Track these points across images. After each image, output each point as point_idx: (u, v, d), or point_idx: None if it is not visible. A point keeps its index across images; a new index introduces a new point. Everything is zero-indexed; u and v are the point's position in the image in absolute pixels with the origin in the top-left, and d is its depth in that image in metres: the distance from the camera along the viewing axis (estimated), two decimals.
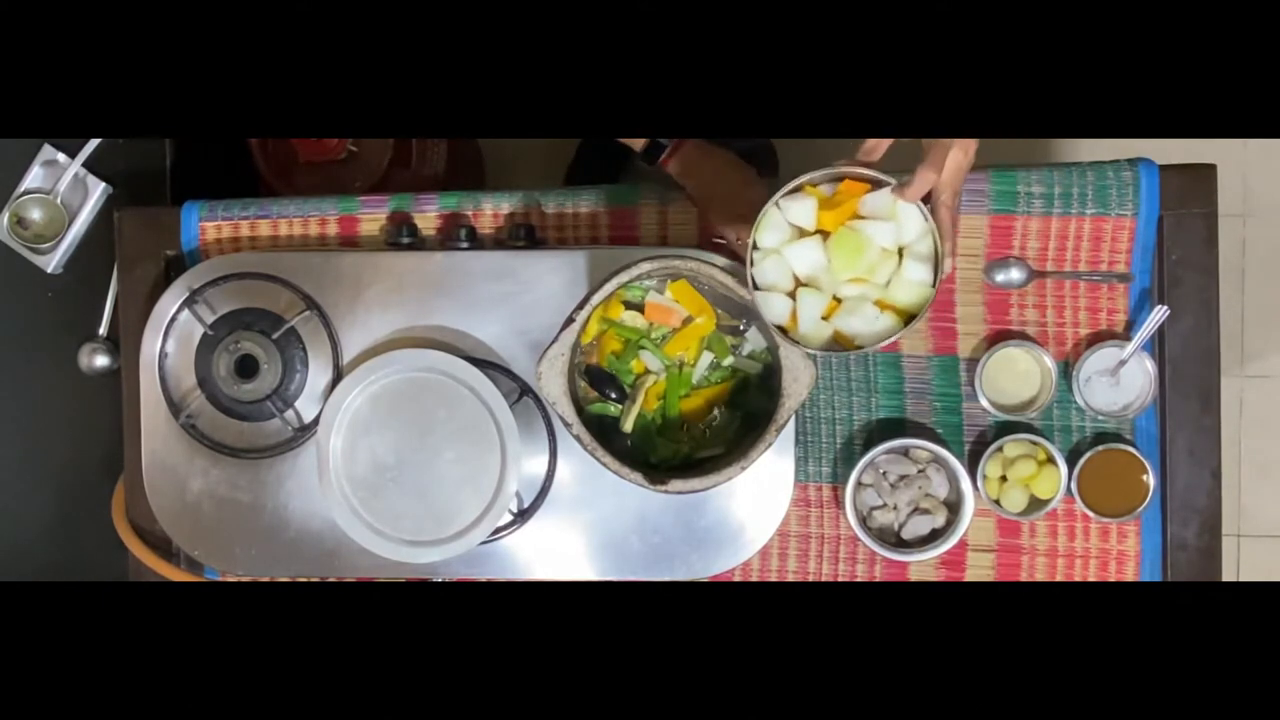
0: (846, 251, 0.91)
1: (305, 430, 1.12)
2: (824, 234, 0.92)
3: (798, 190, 0.93)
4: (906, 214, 0.90)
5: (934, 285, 0.91)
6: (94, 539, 1.22)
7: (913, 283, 0.91)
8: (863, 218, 0.91)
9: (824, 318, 0.93)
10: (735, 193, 1.07)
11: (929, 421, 1.12)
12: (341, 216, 1.17)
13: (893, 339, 0.91)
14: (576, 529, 1.11)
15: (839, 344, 0.93)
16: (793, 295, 0.93)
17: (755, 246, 0.93)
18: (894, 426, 1.12)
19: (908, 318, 0.91)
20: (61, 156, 1.29)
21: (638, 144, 1.08)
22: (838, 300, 0.93)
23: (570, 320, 0.99)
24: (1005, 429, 1.11)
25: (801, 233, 0.93)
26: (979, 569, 1.13)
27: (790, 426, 1.05)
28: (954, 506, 1.09)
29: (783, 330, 0.94)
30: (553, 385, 0.99)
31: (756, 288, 0.94)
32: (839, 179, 0.93)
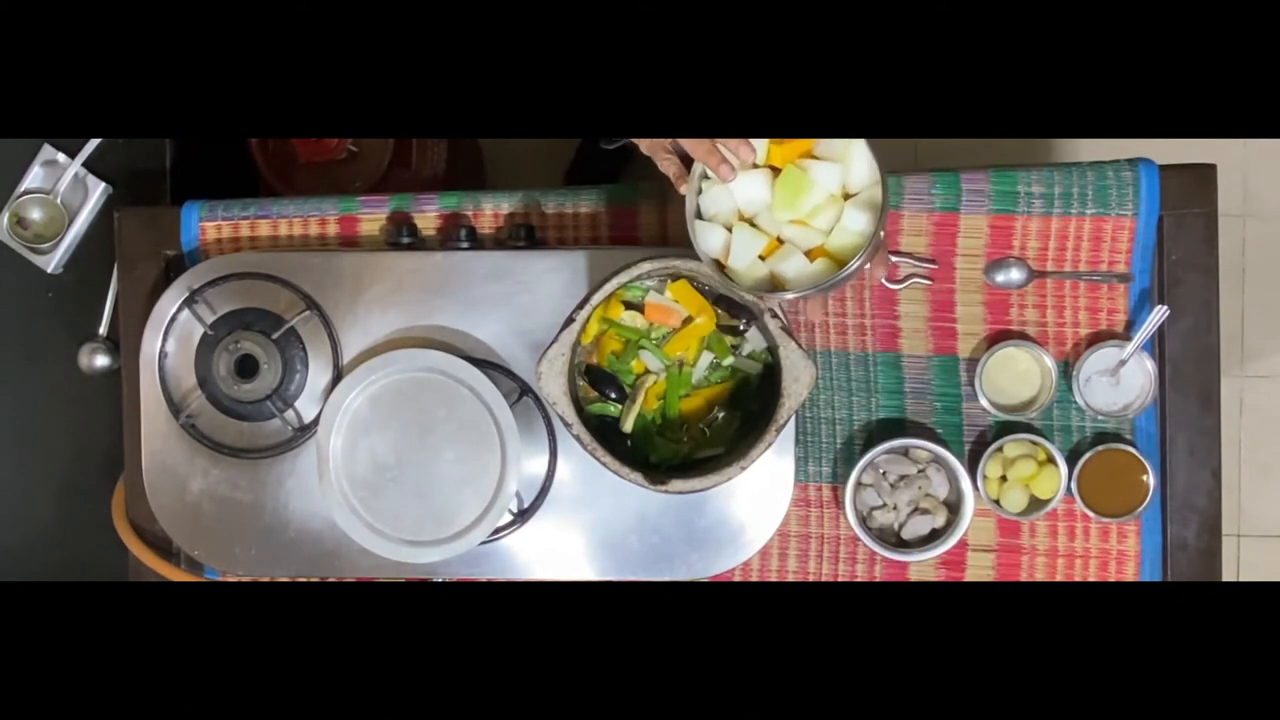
0: (789, 191, 0.90)
1: (305, 430, 1.12)
2: (775, 170, 0.92)
3: None
4: (857, 158, 0.90)
5: (873, 236, 0.89)
6: (94, 539, 1.22)
7: (851, 232, 0.90)
8: (816, 157, 0.90)
9: (762, 257, 0.92)
10: None
11: (929, 421, 1.12)
12: (341, 216, 1.17)
13: (824, 288, 0.90)
14: (576, 529, 1.11)
15: (772, 285, 0.92)
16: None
17: (705, 175, 0.93)
18: (894, 426, 1.12)
19: (840, 266, 0.90)
20: (61, 156, 1.29)
21: None
22: (780, 241, 0.92)
23: (570, 320, 0.99)
24: (1005, 429, 1.11)
25: (753, 166, 0.92)
26: (979, 569, 1.13)
27: (790, 426, 1.05)
28: (954, 506, 1.09)
29: (718, 265, 0.93)
30: (553, 385, 0.99)
31: (700, 217, 0.93)
32: None
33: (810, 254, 0.92)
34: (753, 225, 0.93)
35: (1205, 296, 1.10)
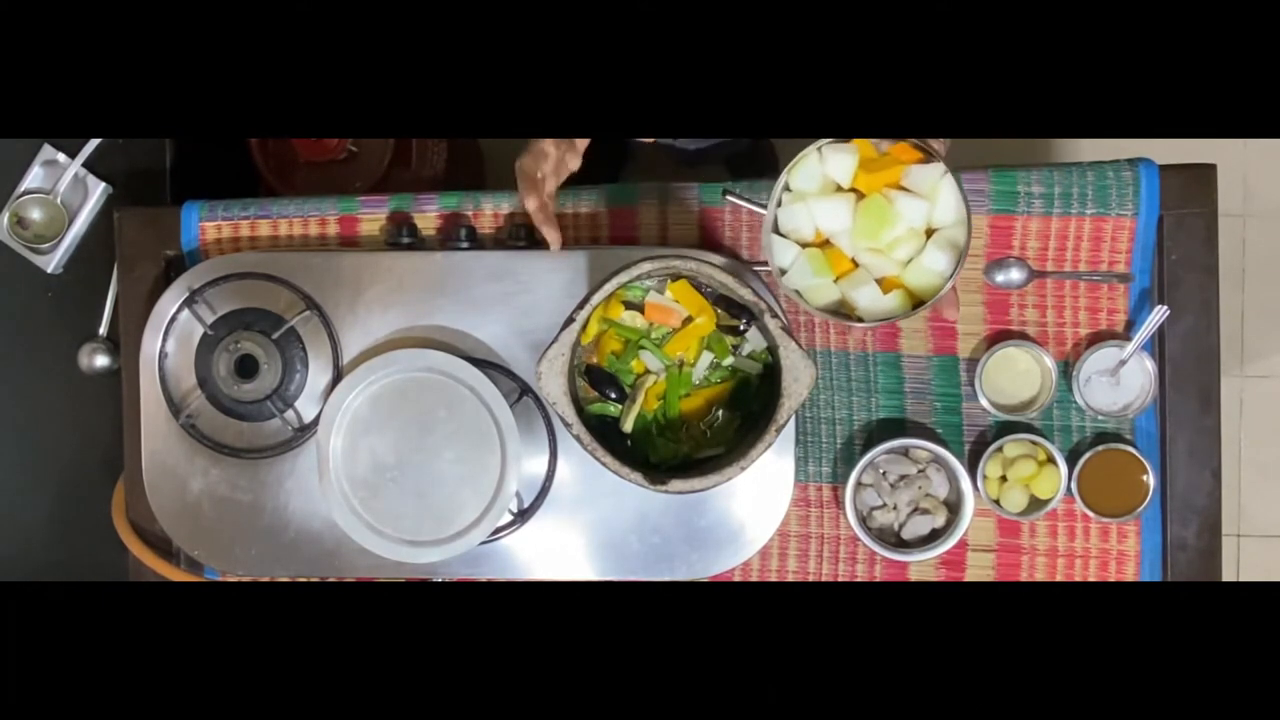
0: (871, 221, 0.89)
1: (305, 430, 1.12)
2: (859, 194, 0.91)
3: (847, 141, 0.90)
4: (946, 195, 0.88)
5: (952, 277, 0.89)
6: (94, 539, 1.22)
7: (929, 271, 0.89)
8: (903, 189, 0.89)
9: (837, 278, 0.92)
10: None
11: (929, 421, 1.12)
12: (341, 216, 1.17)
13: (892, 320, 0.90)
14: (576, 529, 1.11)
15: (842, 311, 0.91)
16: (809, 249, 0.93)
17: (787, 187, 0.92)
18: (894, 426, 1.12)
19: (917, 304, 0.90)
20: (61, 156, 1.29)
21: None
22: (855, 264, 0.92)
23: (570, 320, 0.99)
24: (1005, 429, 1.11)
25: (837, 188, 0.91)
26: (979, 569, 1.13)
27: (790, 426, 1.05)
28: (954, 506, 1.09)
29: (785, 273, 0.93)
30: (553, 385, 0.99)
31: (778, 231, 0.92)
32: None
33: (884, 282, 0.91)
34: (828, 245, 0.92)
35: (1205, 296, 1.10)
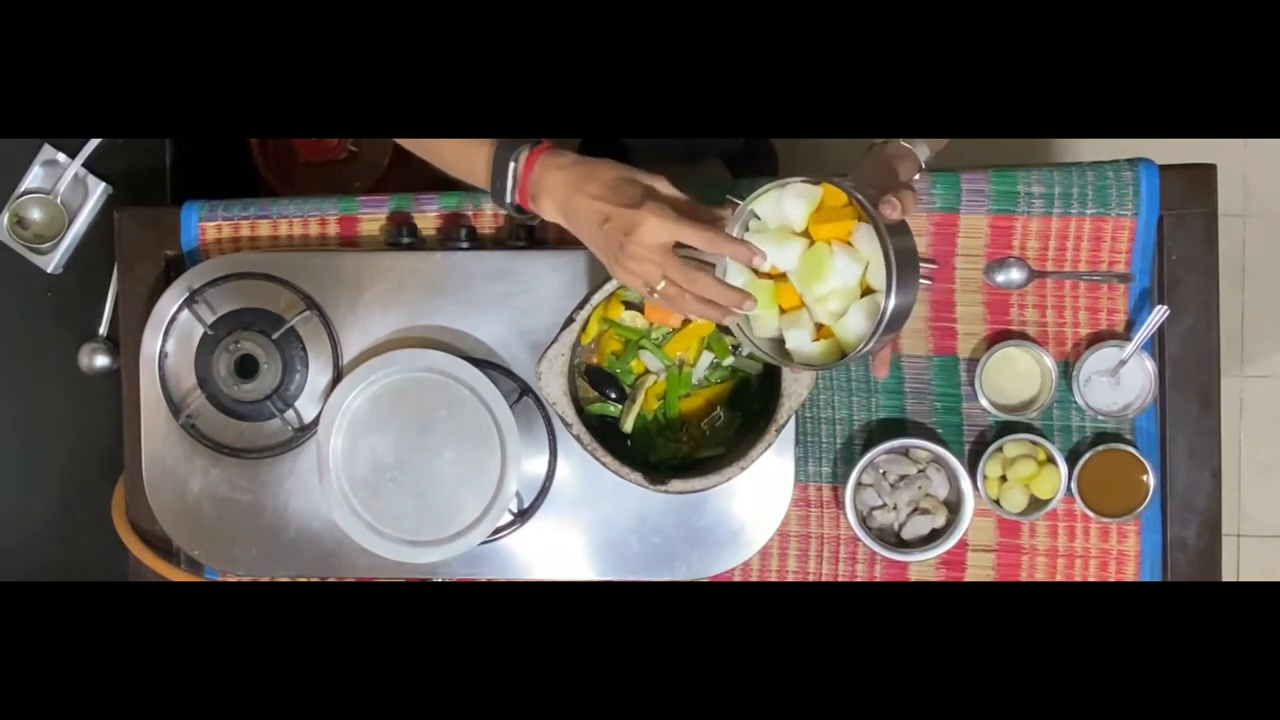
0: (808, 270, 0.87)
1: (305, 430, 1.12)
2: (812, 240, 0.90)
3: (813, 183, 0.87)
4: (876, 263, 0.85)
5: (867, 341, 0.85)
6: (94, 539, 1.22)
7: (849, 330, 0.87)
8: (849, 244, 0.87)
9: (784, 309, 0.90)
10: (593, 236, 0.90)
11: (929, 421, 1.12)
12: (341, 216, 1.17)
13: (809, 369, 0.91)
14: (576, 529, 1.11)
15: (781, 349, 0.90)
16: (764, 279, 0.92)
17: (755, 215, 0.91)
18: (894, 426, 1.13)
19: (839, 356, 0.87)
20: (61, 156, 1.28)
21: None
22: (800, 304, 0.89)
23: (570, 320, 0.99)
24: (1005, 429, 1.11)
25: (792, 230, 0.90)
26: (979, 569, 1.13)
27: (790, 426, 1.05)
28: (954, 506, 1.09)
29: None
30: (553, 385, 0.99)
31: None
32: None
33: (821, 329, 0.89)
34: (785, 279, 0.90)
35: (1205, 296, 1.10)
